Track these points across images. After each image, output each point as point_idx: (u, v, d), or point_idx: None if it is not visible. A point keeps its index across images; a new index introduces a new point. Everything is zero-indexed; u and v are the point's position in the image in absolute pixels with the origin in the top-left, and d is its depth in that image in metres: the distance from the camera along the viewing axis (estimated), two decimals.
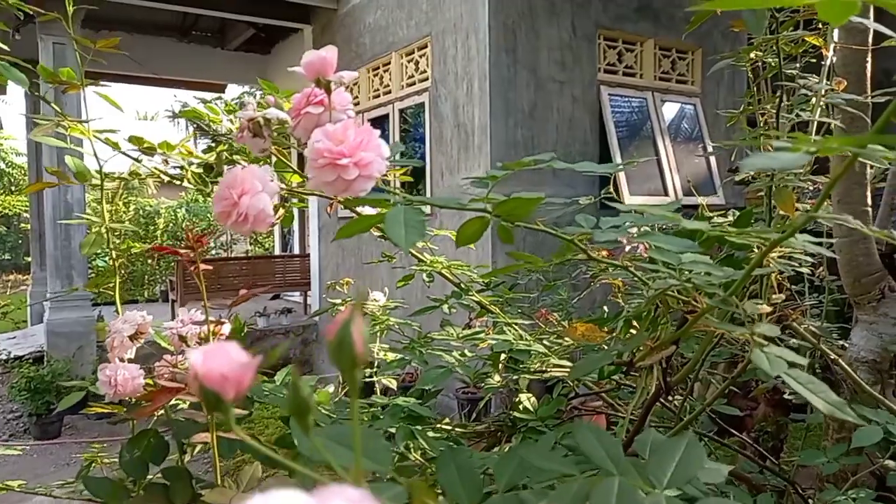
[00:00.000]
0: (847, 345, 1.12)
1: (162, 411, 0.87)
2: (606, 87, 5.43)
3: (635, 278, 0.70)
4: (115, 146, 1.32)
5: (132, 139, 1.16)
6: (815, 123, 0.95)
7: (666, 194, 5.52)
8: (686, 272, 0.54)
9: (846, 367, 1.00)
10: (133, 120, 18.54)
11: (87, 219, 1.30)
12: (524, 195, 0.56)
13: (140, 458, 0.85)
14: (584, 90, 5.32)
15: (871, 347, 1.07)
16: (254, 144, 0.73)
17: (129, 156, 1.31)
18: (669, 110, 5.78)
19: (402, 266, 1.45)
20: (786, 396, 1.29)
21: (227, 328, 0.93)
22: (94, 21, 8.18)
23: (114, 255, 1.42)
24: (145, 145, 1.27)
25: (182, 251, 0.82)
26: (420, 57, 5.77)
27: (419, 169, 5.91)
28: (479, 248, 5.14)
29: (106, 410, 1.00)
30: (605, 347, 0.90)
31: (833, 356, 0.97)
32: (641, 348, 0.67)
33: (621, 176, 5.31)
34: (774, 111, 0.99)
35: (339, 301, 1.82)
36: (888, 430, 0.99)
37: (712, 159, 5.69)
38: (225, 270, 7.53)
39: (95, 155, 1.40)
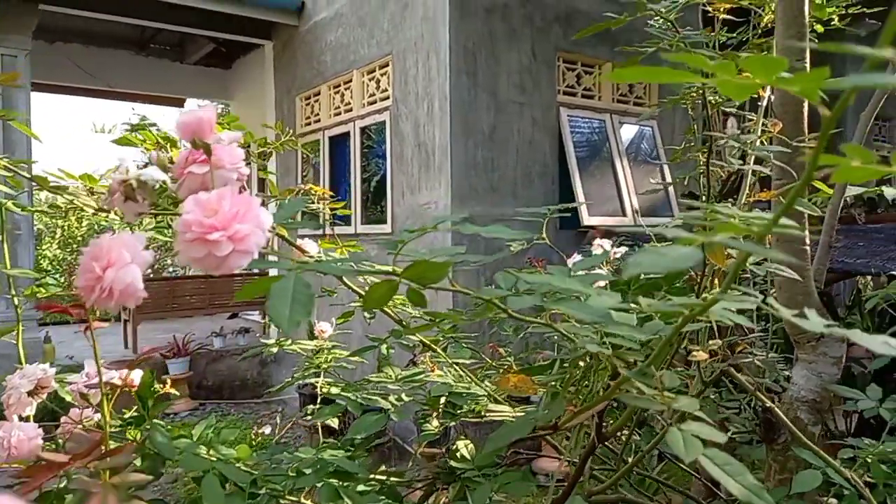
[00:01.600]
0: (788, 384, 1.12)
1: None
2: (566, 108, 5.49)
3: (563, 335, 0.67)
4: (43, 182, 1.24)
5: (36, 178, 1.10)
6: (749, 172, 0.96)
7: (624, 215, 5.58)
8: (606, 334, 0.52)
9: (782, 415, 1.00)
10: (89, 133, 18.03)
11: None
12: (435, 259, 0.53)
13: None
14: (543, 112, 5.36)
15: (811, 387, 1.07)
16: (127, 209, 0.66)
17: (52, 189, 1.24)
18: (628, 132, 5.87)
19: (341, 303, 1.41)
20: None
21: (137, 376, 0.87)
22: (49, 32, 7.96)
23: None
24: (63, 178, 1.20)
25: (73, 309, 0.76)
26: (381, 76, 5.75)
27: (381, 187, 5.87)
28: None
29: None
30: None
31: (768, 403, 0.97)
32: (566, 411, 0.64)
33: (580, 197, 5.36)
34: (713, 154, 0.99)
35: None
36: (827, 472, 0.98)
37: (669, 180, 5.79)
38: (181, 290, 7.34)
39: (31, 180, 1.32)
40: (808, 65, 1.05)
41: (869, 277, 4.01)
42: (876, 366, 2.10)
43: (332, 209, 1.37)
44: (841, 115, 0.45)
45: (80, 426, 0.81)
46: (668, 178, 5.74)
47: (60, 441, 0.84)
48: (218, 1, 6.28)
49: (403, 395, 1.04)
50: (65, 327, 9.85)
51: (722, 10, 1.20)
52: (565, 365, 0.83)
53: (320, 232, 6.79)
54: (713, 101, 1.07)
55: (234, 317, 8.71)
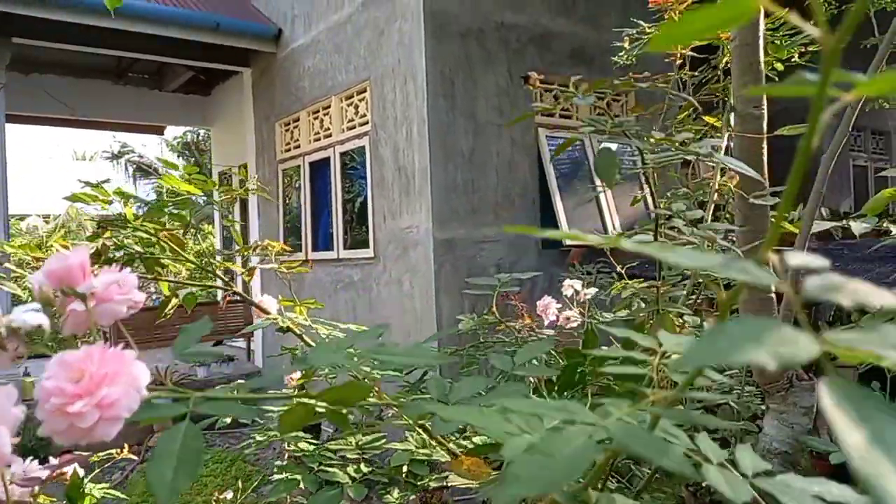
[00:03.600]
0: (760, 436, 1.10)
1: None
2: (544, 129, 5.51)
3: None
4: None
5: None
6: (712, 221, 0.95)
7: (606, 233, 5.59)
8: None
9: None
10: (70, 160, 17.96)
11: None
12: (355, 384, 0.50)
13: None
14: (522, 133, 5.37)
15: (783, 438, 1.05)
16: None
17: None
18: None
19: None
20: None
21: (71, 468, 0.83)
22: (24, 64, 7.90)
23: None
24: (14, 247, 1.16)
25: None
26: (360, 101, 5.75)
27: (362, 212, 5.84)
28: (423, 294, 5.07)
29: None
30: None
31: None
32: None
33: (562, 217, 5.37)
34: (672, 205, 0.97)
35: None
36: None
37: (650, 199, 5.80)
38: (163, 319, 7.24)
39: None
40: (765, 110, 1.04)
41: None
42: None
43: (287, 267, 1.34)
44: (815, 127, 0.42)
45: None
46: (650, 199, 5.76)
47: None
48: (193, 30, 6.26)
49: (362, 466, 1.01)
50: (47, 360, 9.70)
51: (679, 55, 1.20)
52: None
53: (303, 257, 6.74)
54: (677, 144, 1.06)
55: (218, 344, 8.60)
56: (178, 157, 13.29)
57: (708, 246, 0.93)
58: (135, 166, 13.70)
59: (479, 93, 5.15)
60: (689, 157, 1.01)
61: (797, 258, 0.35)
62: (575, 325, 1.57)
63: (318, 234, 6.55)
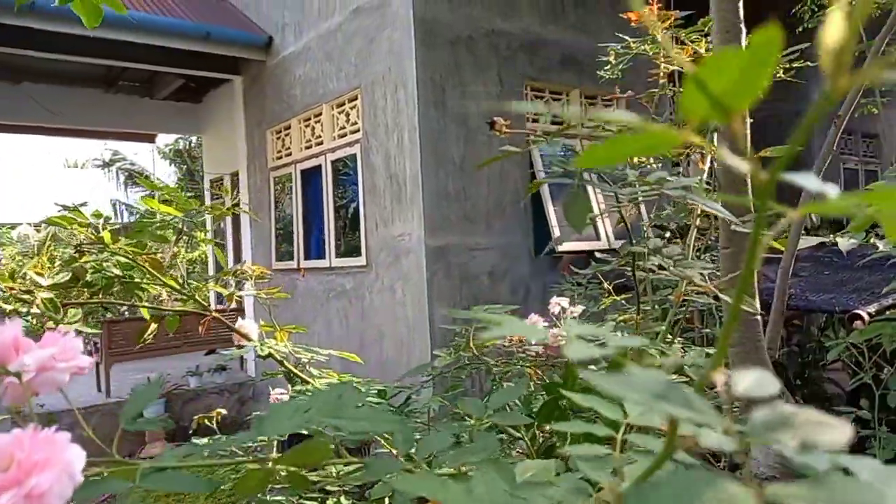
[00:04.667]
0: (747, 460, 1.09)
1: None
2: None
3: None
4: None
5: None
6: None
7: (598, 239, 5.58)
8: None
9: None
10: (61, 168, 17.89)
11: None
12: (315, 446, 0.48)
13: None
14: (514, 140, 5.36)
15: (771, 463, 1.04)
16: None
17: None
18: None
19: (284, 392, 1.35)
20: None
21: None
22: (14, 72, 7.87)
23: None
24: None
25: None
26: (351, 109, 5.73)
27: (354, 219, 5.82)
28: (415, 302, 5.06)
29: None
30: None
31: None
32: None
33: (553, 223, 5.36)
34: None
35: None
36: None
37: (642, 205, 5.80)
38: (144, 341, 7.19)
39: None
40: (748, 129, 1.03)
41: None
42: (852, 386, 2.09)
43: (267, 294, 1.32)
44: (808, 129, 0.41)
45: None
46: (642, 205, 5.76)
47: None
48: (184, 40, 6.24)
49: (342, 499, 0.99)
50: None
51: (662, 74, 1.19)
52: None
53: (295, 266, 6.71)
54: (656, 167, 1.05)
55: (211, 352, 8.55)
56: (170, 164, 13.24)
57: (687, 285, 0.92)
58: (126, 174, 13.64)
59: (470, 100, 5.15)
60: (668, 192, 0.99)
61: (745, 382, 0.34)
62: (564, 340, 1.56)
63: (310, 241, 6.52)
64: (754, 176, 0.37)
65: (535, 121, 5.53)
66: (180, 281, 1.37)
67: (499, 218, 5.28)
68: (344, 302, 5.92)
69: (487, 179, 5.23)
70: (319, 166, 6.22)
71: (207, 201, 9.38)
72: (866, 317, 1.80)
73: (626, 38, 1.49)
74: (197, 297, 1.24)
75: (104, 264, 1.32)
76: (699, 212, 0.98)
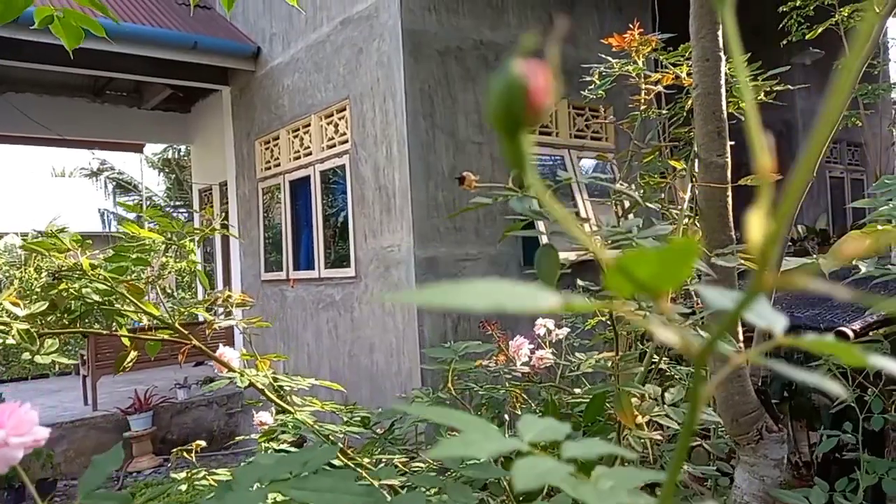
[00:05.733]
0: (731, 489, 1.08)
1: None
2: None
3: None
4: None
5: None
6: None
7: (588, 249, 5.59)
8: None
9: None
10: (49, 177, 17.81)
11: None
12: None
13: None
14: (502, 150, 5.37)
15: (754, 491, 1.03)
16: None
17: None
18: (586, 166, 5.91)
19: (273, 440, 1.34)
20: None
21: None
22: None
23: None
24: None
25: None
26: (339, 119, 5.73)
27: (343, 230, 5.81)
28: (405, 314, 5.04)
29: None
30: None
31: None
32: None
33: (543, 232, 5.36)
34: None
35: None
36: None
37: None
38: (142, 341, 7.13)
39: None
40: (728, 159, 1.03)
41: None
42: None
43: (247, 323, 1.31)
44: (793, 139, 0.41)
45: None
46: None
47: None
48: (171, 49, 6.22)
49: None
50: (24, 383, 9.50)
51: (643, 99, 1.19)
52: None
53: (284, 276, 6.68)
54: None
55: (200, 364, 8.49)
56: (159, 173, 13.16)
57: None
58: (114, 183, 13.55)
59: (459, 110, 5.15)
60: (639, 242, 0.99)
61: None
62: (549, 362, 1.55)
63: (300, 252, 6.49)
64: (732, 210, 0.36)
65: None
66: (164, 305, 1.36)
67: (488, 228, 5.28)
68: (333, 313, 5.90)
69: (477, 190, 5.22)
70: (308, 177, 6.20)
71: (196, 212, 9.33)
72: (851, 334, 1.81)
73: (610, 58, 1.50)
74: (177, 324, 1.22)
75: (83, 290, 1.30)
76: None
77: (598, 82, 1.58)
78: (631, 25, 1.49)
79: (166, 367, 7.94)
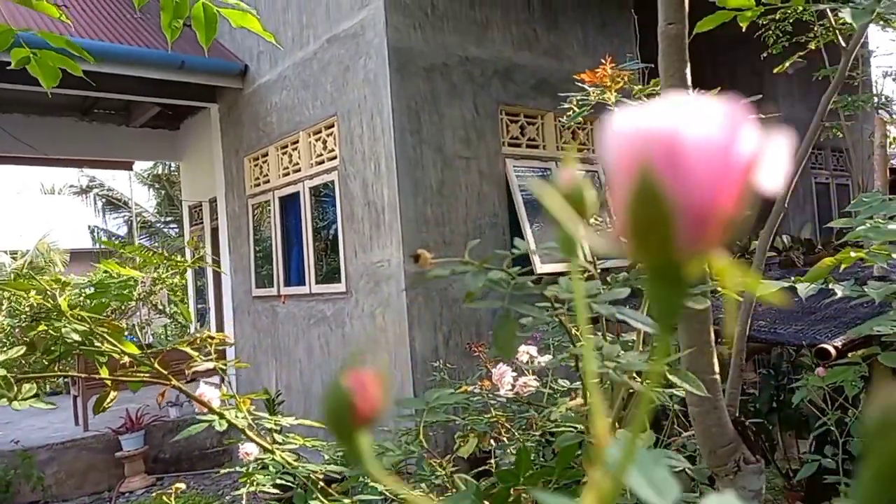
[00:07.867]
0: None
1: None
2: (512, 159, 5.54)
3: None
4: None
5: None
6: None
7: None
8: None
9: None
10: (38, 194, 17.72)
11: None
12: None
13: None
14: (490, 164, 5.40)
15: None
16: None
17: None
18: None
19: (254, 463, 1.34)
20: None
21: None
22: None
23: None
24: None
25: None
26: (328, 136, 5.74)
27: (334, 246, 5.81)
28: (396, 328, 5.04)
29: None
30: None
31: None
32: None
33: (532, 245, 5.38)
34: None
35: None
36: None
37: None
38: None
39: None
40: None
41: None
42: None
43: (226, 364, 1.31)
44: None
45: None
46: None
47: None
48: (158, 68, 6.23)
49: None
50: None
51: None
52: None
53: (275, 292, 6.66)
54: None
55: (193, 381, 8.44)
56: (149, 189, 13.13)
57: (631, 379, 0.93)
58: (104, 200, 13.50)
59: (446, 126, 5.18)
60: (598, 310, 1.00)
61: None
62: (532, 389, 1.56)
63: (290, 268, 6.49)
64: None
65: (512, 144, 5.57)
66: (150, 329, 1.36)
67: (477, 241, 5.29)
68: (325, 328, 5.89)
69: (465, 203, 5.25)
70: (297, 193, 6.20)
71: (187, 228, 9.30)
72: (833, 351, 1.83)
73: (586, 86, 1.52)
74: (156, 365, 1.23)
75: (63, 331, 1.30)
76: None
77: (576, 110, 1.60)
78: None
79: (157, 386, 7.87)
